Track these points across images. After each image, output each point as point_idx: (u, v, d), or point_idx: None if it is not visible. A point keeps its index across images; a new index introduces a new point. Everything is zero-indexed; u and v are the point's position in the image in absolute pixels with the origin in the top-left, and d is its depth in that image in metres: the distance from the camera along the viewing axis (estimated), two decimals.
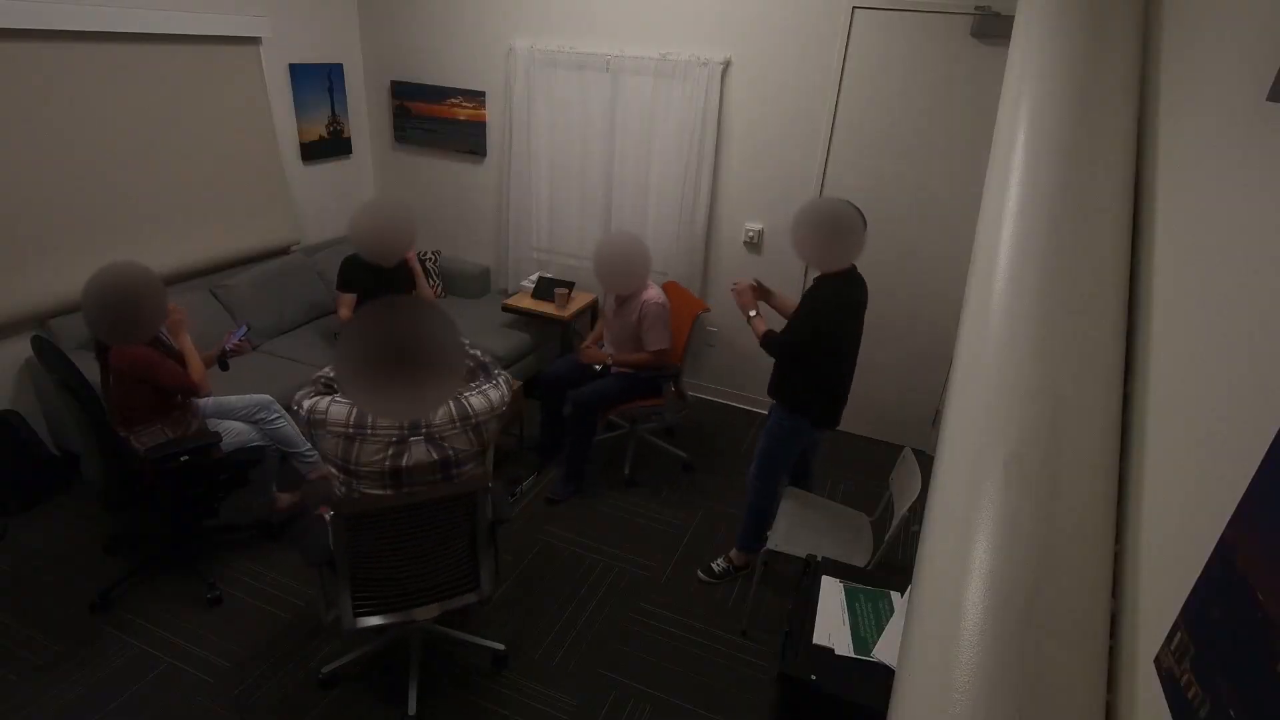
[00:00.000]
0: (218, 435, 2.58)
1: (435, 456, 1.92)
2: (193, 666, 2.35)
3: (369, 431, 1.86)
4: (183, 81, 3.35)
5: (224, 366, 2.74)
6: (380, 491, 1.90)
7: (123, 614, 2.53)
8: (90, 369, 2.58)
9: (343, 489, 1.92)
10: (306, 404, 1.93)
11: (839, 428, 3.96)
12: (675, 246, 3.86)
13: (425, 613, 2.08)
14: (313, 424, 1.89)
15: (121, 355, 2.36)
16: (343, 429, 1.85)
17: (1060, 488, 1.16)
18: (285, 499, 2.98)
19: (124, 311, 2.17)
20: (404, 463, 1.89)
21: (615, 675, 2.43)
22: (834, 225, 2.30)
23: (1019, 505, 1.16)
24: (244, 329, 2.78)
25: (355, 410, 1.87)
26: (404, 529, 1.91)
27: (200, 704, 2.22)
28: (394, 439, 1.88)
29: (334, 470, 1.92)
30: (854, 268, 2.46)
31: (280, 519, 2.96)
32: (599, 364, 3.26)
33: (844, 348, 2.51)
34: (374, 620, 2.02)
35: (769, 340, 2.50)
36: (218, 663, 2.36)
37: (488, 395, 2.05)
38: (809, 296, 2.48)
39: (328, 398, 1.91)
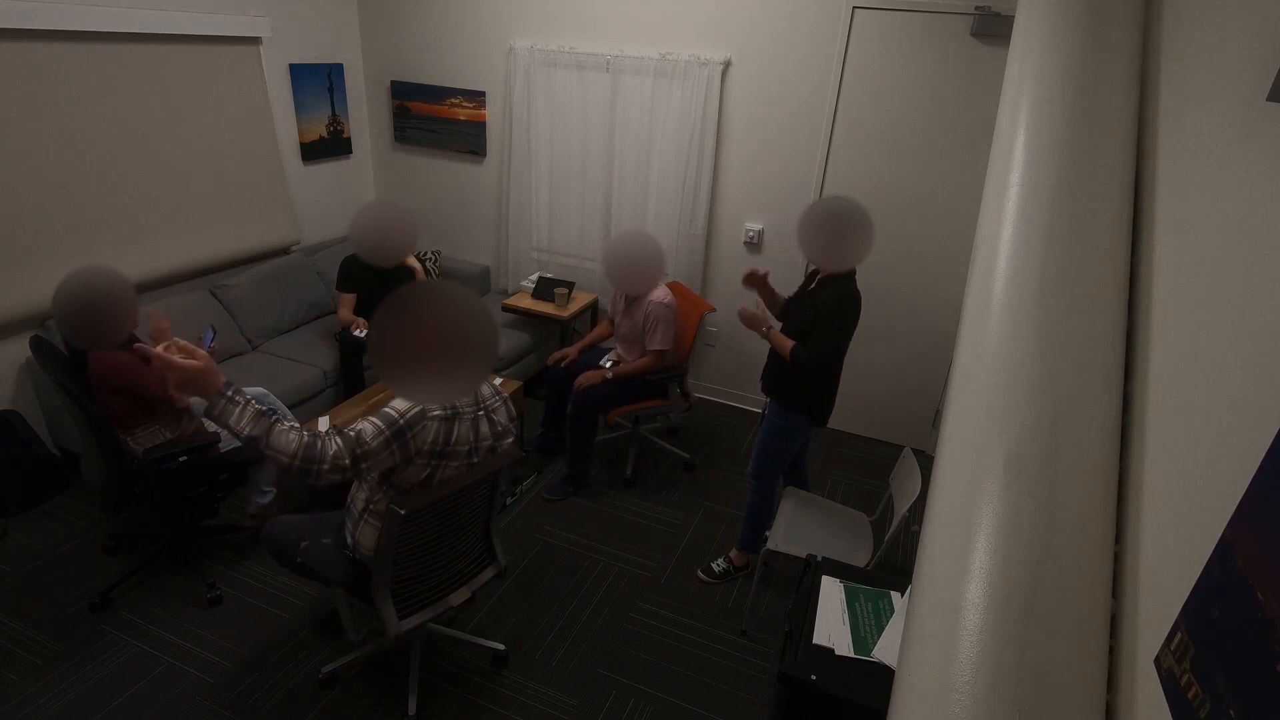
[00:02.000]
0: (216, 435, 2.58)
1: (488, 431, 1.99)
2: (193, 666, 2.35)
3: (460, 411, 1.90)
4: (183, 81, 3.35)
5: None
6: (458, 466, 1.94)
7: (123, 614, 2.53)
8: None
9: (425, 474, 1.88)
10: (371, 424, 1.78)
11: (839, 427, 4.01)
12: (675, 246, 3.86)
13: (458, 596, 2.13)
14: (412, 420, 1.79)
15: (99, 362, 2.35)
16: (441, 411, 1.86)
17: (1060, 488, 1.16)
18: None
19: (93, 316, 2.14)
20: (478, 440, 1.96)
21: (615, 675, 2.43)
22: (845, 224, 2.24)
23: (1019, 505, 1.16)
24: (211, 333, 2.76)
25: None
26: (445, 514, 1.96)
27: (200, 704, 2.22)
28: (471, 416, 1.93)
29: (421, 463, 1.86)
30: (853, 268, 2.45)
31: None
32: (597, 382, 3.21)
33: (845, 347, 2.50)
34: (416, 619, 2.04)
35: (799, 355, 2.41)
36: (218, 663, 2.37)
37: None
38: (819, 301, 2.43)
39: (409, 401, 1.81)
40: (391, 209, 3.02)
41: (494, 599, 2.71)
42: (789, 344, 2.45)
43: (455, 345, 1.57)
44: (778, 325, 2.57)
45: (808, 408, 2.53)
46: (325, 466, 1.70)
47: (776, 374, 2.57)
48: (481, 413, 1.97)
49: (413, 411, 1.81)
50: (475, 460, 1.97)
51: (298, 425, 1.73)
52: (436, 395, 1.65)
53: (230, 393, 1.63)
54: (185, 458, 2.47)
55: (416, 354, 1.53)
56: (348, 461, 1.73)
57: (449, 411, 1.87)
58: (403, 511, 1.79)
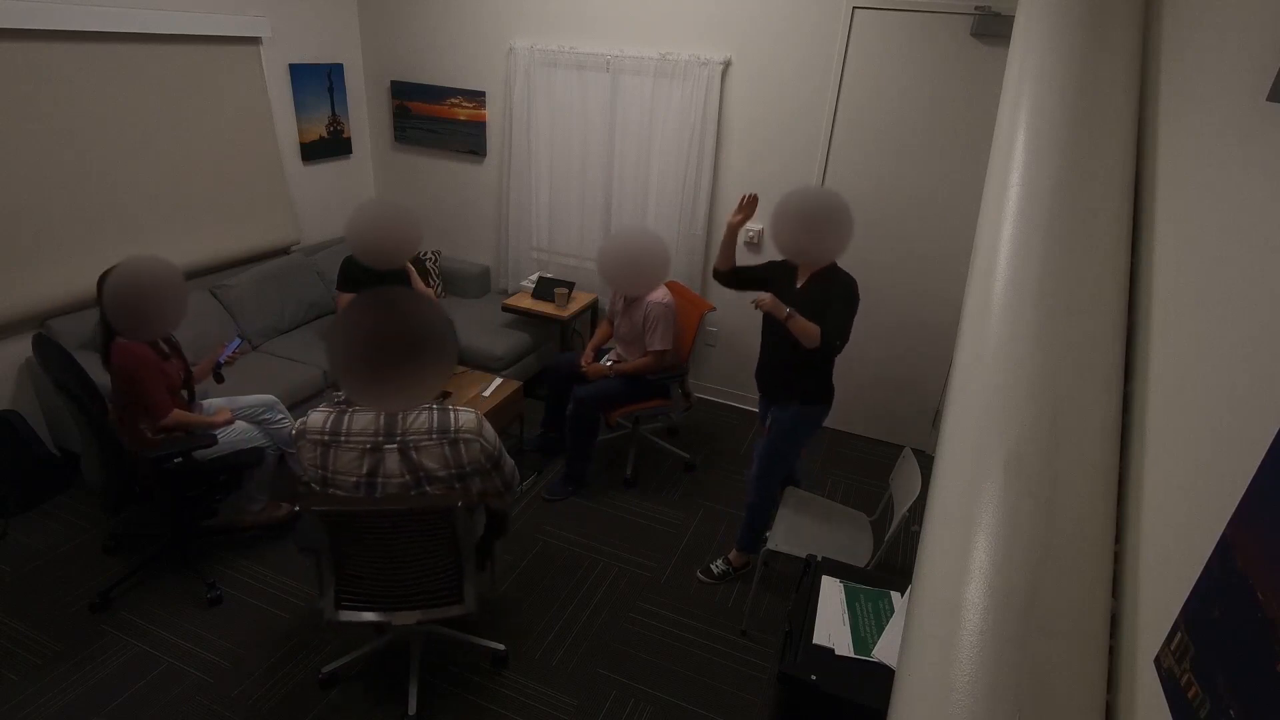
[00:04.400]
0: (211, 437, 2.56)
1: (405, 471, 1.85)
2: (193, 666, 2.35)
3: (343, 438, 1.82)
4: (183, 81, 3.35)
5: (219, 379, 2.74)
6: (347, 495, 1.87)
7: (123, 614, 2.53)
8: (94, 366, 2.58)
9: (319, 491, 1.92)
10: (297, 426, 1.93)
11: (839, 427, 4.01)
12: (675, 246, 3.85)
13: (405, 618, 2.07)
14: (297, 436, 1.89)
15: (122, 350, 2.36)
16: (319, 435, 1.83)
17: (1060, 488, 1.16)
18: (286, 509, 2.95)
19: (144, 304, 2.18)
20: (379, 475, 1.85)
21: (615, 675, 2.43)
22: (826, 216, 2.11)
23: (1019, 505, 1.16)
24: (237, 342, 2.77)
25: (332, 417, 1.84)
26: (379, 534, 1.90)
27: (200, 704, 2.22)
28: (368, 446, 1.83)
29: (313, 479, 1.91)
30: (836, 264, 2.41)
31: (266, 523, 2.93)
32: (601, 376, 3.25)
33: None
34: (356, 615, 2.04)
35: (829, 338, 2.31)
36: (218, 663, 2.36)
37: (483, 424, 1.96)
38: (831, 294, 2.38)
39: (301, 421, 1.90)
40: (391, 209, 2.88)
41: (494, 599, 2.71)
42: (815, 328, 2.32)
43: (397, 358, 1.57)
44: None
45: (825, 395, 2.55)
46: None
47: (790, 373, 2.51)
48: (393, 446, 1.83)
49: (295, 429, 1.89)
50: (378, 494, 1.86)
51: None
52: (380, 402, 1.67)
53: None
54: (181, 459, 2.46)
55: (361, 359, 1.56)
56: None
57: (327, 438, 1.84)
58: (296, 508, 1.83)
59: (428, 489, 1.89)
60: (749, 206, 2.53)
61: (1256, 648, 0.77)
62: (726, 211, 3.79)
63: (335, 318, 1.56)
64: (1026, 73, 1.67)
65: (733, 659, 2.52)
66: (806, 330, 2.33)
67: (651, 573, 2.89)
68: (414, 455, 1.84)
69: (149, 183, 3.32)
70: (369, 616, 2.05)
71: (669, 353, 3.18)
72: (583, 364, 3.34)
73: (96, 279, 2.41)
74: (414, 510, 1.85)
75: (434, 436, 1.85)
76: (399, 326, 1.57)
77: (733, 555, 2.89)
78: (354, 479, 1.83)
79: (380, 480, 1.85)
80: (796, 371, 2.50)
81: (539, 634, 2.57)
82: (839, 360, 2.55)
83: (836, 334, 2.33)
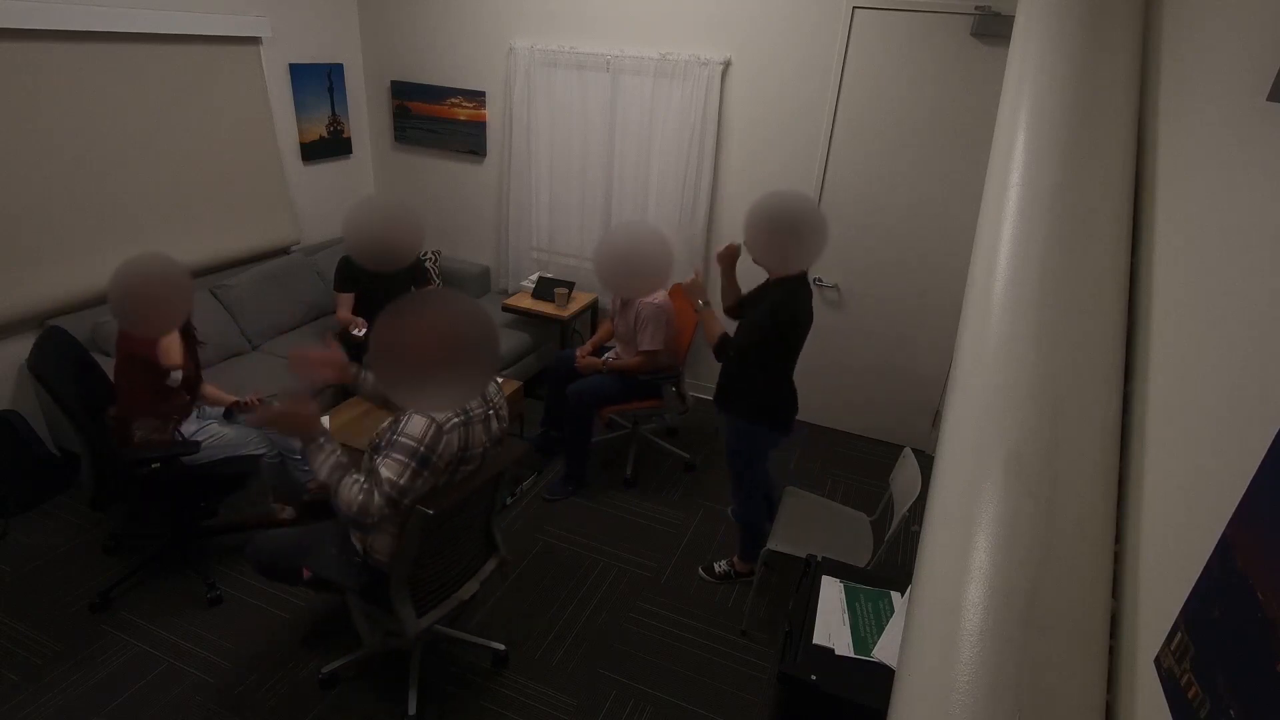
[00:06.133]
0: (194, 445, 2.52)
1: (498, 430, 2.03)
2: (193, 666, 2.35)
3: (472, 414, 1.91)
4: (183, 81, 3.35)
5: (228, 414, 2.74)
6: (472, 469, 1.96)
7: (123, 614, 2.53)
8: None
9: (425, 486, 1.87)
10: (394, 461, 1.78)
11: (839, 427, 4.01)
12: (675, 247, 3.85)
13: (467, 590, 2.16)
14: (432, 444, 1.79)
15: (124, 338, 2.39)
16: (459, 419, 1.87)
17: (1060, 488, 1.16)
18: (289, 512, 2.94)
19: (150, 302, 2.18)
20: (491, 439, 1.99)
21: (615, 675, 2.43)
22: (794, 224, 2.06)
23: (1019, 505, 1.16)
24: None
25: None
26: (459, 512, 1.98)
27: (200, 704, 2.22)
28: (481, 417, 1.94)
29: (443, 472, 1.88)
30: (804, 272, 2.36)
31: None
32: (593, 371, 3.27)
33: (797, 350, 2.43)
34: (432, 617, 2.06)
35: (724, 345, 2.36)
36: (218, 663, 2.37)
37: None
38: (764, 297, 2.36)
39: (422, 424, 1.80)
40: (390, 207, 2.85)
41: (494, 599, 2.71)
42: (717, 329, 2.38)
43: (459, 351, 1.55)
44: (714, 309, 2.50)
45: (770, 414, 2.48)
46: (373, 520, 1.79)
47: (731, 386, 2.50)
48: (491, 412, 1.99)
49: (430, 433, 1.80)
50: (483, 462, 1.99)
51: (360, 479, 1.80)
52: (443, 402, 1.67)
53: (323, 440, 1.82)
54: (158, 464, 2.44)
55: (420, 363, 1.52)
56: (389, 512, 1.79)
57: (462, 417, 1.88)
58: (430, 512, 1.79)
59: (499, 445, 2.07)
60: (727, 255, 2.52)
61: (1256, 648, 0.77)
62: (727, 211, 3.79)
63: (375, 331, 1.51)
64: (1026, 73, 1.67)
65: (733, 659, 2.52)
66: (710, 328, 2.41)
67: (651, 573, 2.89)
68: (501, 414, 2.05)
69: (149, 183, 3.32)
70: (443, 609, 2.10)
71: (661, 353, 3.17)
72: (578, 356, 3.34)
73: (96, 279, 2.41)
74: (499, 472, 2.04)
75: (500, 396, 2.07)
76: (452, 331, 1.53)
77: (737, 562, 2.88)
78: (480, 449, 1.95)
79: (487, 447, 1.99)
80: (733, 383, 2.49)
81: (539, 634, 2.57)
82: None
83: (733, 345, 2.36)
